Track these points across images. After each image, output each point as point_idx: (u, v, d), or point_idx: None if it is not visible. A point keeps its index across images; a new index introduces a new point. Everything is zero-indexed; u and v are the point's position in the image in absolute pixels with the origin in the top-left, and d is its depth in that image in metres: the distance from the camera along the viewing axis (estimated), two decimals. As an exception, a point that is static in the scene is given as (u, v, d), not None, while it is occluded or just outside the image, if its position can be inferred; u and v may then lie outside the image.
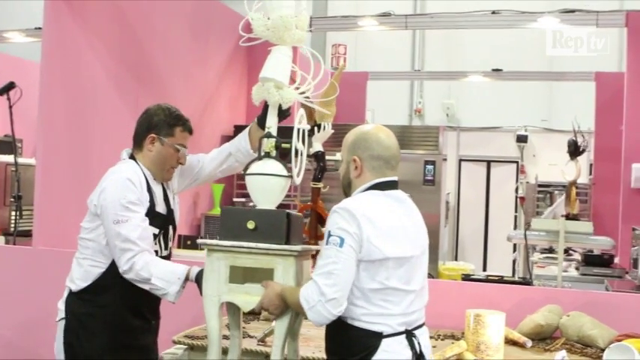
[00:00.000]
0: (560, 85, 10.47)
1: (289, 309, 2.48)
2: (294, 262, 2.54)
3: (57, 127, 4.12)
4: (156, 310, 3.01)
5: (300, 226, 2.76)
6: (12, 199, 6.08)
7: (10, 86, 4.93)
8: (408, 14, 8.05)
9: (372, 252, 2.30)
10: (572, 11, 6.46)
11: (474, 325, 3.00)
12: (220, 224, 2.65)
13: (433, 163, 7.34)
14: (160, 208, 2.97)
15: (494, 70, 9.29)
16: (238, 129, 6.40)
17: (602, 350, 2.99)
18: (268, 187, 2.66)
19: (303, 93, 2.79)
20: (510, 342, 3.20)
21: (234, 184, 6.97)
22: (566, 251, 5.89)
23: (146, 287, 2.76)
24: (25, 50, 7.96)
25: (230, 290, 2.58)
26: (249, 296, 2.57)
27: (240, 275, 2.61)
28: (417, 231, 2.48)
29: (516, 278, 4.66)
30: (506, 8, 6.92)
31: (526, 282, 4.34)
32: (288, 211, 2.63)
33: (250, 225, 2.56)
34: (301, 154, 2.69)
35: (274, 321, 2.62)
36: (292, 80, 2.79)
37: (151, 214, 2.86)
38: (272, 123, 2.75)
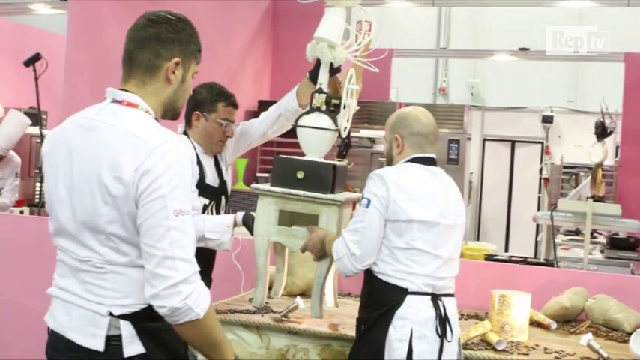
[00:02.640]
0: (588, 66, 10.30)
1: None
2: (337, 211, 2.83)
3: (82, 99, 4.11)
4: (209, 276, 3.18)
5: (345, 176, 3.02)
6: (37, 171, 6.13)
7: (36, 58, 4.92)
8: (435, -9, 7.95)
9: (398, 213, 2.53)
10: (604, -11, 6.34)
11: (499, 305, 2.98)
12: (273, 172, 2.96)
13: (457, 142, 7.30)
14: (211, 180, 3.20)
15: (520, 49, 9.15)
16: (262, 104, 6.40)
17: (629, 334, 2.96)
18: (317, 139, 2.91)
19: (354, 52, 2.98)
20: (535, 323, 3.17)
21: (258, 159, 6.97)
22: (591, 234, 5.83)
23: (201, 244, 2.89)
24: (51, 22, 7.96)
25: (278, 232, 2.89)
26: (295, 238, 2.88)
27: (288, 218, 2.90)
28: (449, 202, 2.65)
29: (540, 260, 4.61)
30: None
31: (550, 263, 4.30)
32: (334, 162, 2.89)
33: (300, 175, 2.83)
34: (350, 111, 2.94)
35: (317, 262, 2.88)
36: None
37: (201, 187, 3.04)
38: (324, 80, 2.96)
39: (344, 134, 2.95)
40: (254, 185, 3.01)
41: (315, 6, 3.15)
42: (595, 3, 6.59)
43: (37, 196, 6.20)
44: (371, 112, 7.57)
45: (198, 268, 1.87)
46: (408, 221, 2.53)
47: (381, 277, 2.57)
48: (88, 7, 4.13)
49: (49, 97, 5.57)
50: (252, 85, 6.33)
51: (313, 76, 3.01)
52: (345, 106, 2.92)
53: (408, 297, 2.52)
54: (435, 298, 2.56)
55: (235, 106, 3.26)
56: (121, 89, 1.99)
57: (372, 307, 2.59)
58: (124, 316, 1.88)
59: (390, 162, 2.77)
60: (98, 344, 1.87)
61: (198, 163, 3.11)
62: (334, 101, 2.92)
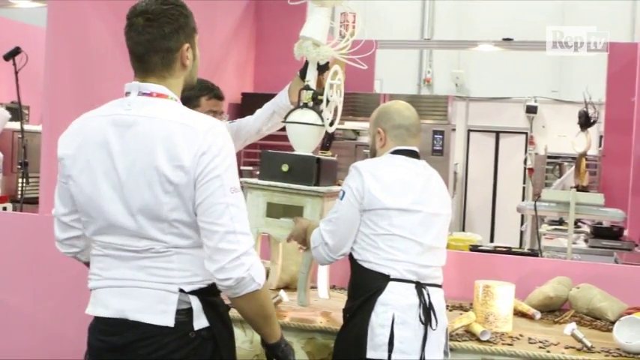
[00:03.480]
0: (571, 56, 10.33)
1: None
2: (321, 202, 2.95)
3: (63, 93, 4.06)
4: None
5: (334, 170, 3.14)
6: (19, 166, 6.07)
7: (16, 52, 4.87)
8: (418, -18, 7.94)
9: (373, 202, 2.58)
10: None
11: (483, 296, 2.98)
12: (260, 166, 3.08)
13: (442, 133, 7.31)
14: None
15: (504, 39, 9.16)
16: (246, 97, 6.37)
17: (612, 323, 2.97)
18: (305, 134, 3.02)
19: (340, 50, 3.06)
20: (519, 314, 3.18)
21: (242, 152, 6.94)
22: (575, 223, 5.86)
23: None
24: (31, 15, 7.88)
25: (267, 223, 3.01)
26: (282, 229, 2.98)
27: (280, 211, 3.00)
28: (431, 192, 2.69)
29: (525, 250, 4.62)
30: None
31: (535, 253, 4.31)
32: (318, 156, 3.02)
33: (285, 168, 2.96)
34: (335, 108, 3.05)
35: (303, 252, 3.00)
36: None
37: None
38: (311, 77, 3.07)
39: (330, 129, 3.04)
40: (242, 179, 3.05)
41: (298, -1, 3.17)
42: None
43: (20, 193, 6.14)
44: (355, 104, 7.56)
45: (254, 242, 1.99)
46: (385, 209, 2.58)
47: (363, 264, 2.61)
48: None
49: (30, 92, 5.51)
50: (236, 78, 6.29)
51: (303, 74, 3.10)
52: (328, 101, 3.00)
53: (390, 283, 2.54)
54: (420, 286, 2.57)
55: (219, 97, 3.32)
56: (143, 82, 2.02)
57: (355, 295, 2.64)
58: (192, 292, 1.96)
59: (374, 155, 2.82)
60: (169, 320, 1.93)
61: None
62: (320, 97, 3.01)
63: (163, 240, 1.94)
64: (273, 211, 3.01)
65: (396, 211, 2.58)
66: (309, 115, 3.01)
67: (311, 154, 3.04)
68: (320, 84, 3.10)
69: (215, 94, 3.30)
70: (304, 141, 3.05)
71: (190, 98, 3.17)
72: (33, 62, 4.89)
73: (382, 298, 2.53)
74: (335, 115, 3.09)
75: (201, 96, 3.25)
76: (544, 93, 10.71)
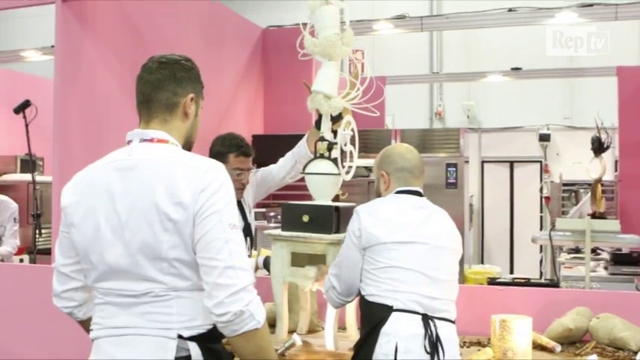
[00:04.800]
0: (581, 82, 10.32)
1: None
2: None
3: (72, 143, 4.09)
4: None
5: (351, 214, 3.10)
6: (32, 216, 6.10)
7: (26, 105, 4.93)
8: (423, 16, 7.99)
9: (370, 239, 2.64)
10: (590, 5, 6.35)
11: (500, 330, 2.92)
12: (282, 217, 3.19)
13: (455, 165, 7.26)
14: None
15: (513, 68, 9.17)
16: (257, 139, 6.39)
17: (635, 353, 2.90)
18: (322, 183, 3.14)
19: (351, 100, 3.17)
20: (539, 347, 3.11)
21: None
22: (594, 250, 5.78)
23: None
24: (43, 68, 8.01)
25: (292, 272, 3.09)
26: (307, 278, 3.06)
27: (305, 258, 3.08)
28: (435, 227, 2.72)
29: (543, 280, 4.56)
30: (523, 5, 6.82)
31: (553, 284, 4.25)
32: (337, 204, 3.10)
33: (305, 218, 3.05)
34: (351, 155, 3.16)
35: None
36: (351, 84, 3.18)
37: None
38: (325, 128, 3.19)
39: (347, 177, 3.15)
40: (267, 231, 3.21)
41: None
42: (584, 19, 6.59)
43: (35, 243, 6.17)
44: (367, 141, 7.55)
45: (254, 279, 1.95)
46: (382, 244, 2.62)
47: (367, 298, 2.64)
48: (74, 50, 4.12)
49: (44, 143, 5.56)
50: (246, 121, 6.32)
51: (318, 125, 3.24)
52: (342, 151, 3.12)
53: (394, 314, 2.54)
54: (427, 318, 2.54)
55: (247, 154, 3.54)
56: (145, 128, 2.07)
57: (363, 327, 2.66)
58: (191, 338, 1.94)
59: (378, 197, 2.89)
60: None
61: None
62: (335, 147, 3.13)
63: (162, 281, 1.93)
64: (298, 259, 3.10)
65: (394, 244, 2.62)
66: (326, 165, 3.13)
67: (329, 203, 3.13)
68: (334, 133, 3.21)
69: (243, 151, 3.51)
70: (322, 190, 3.16)
71: (218, 154, 3.42)
72: (46, 113, 4.95)
73: (385, 329, 2.52)
74: (351, 162, 3.19)
75: (230, 153, 3.48)
76: (556, 120, 10.66)
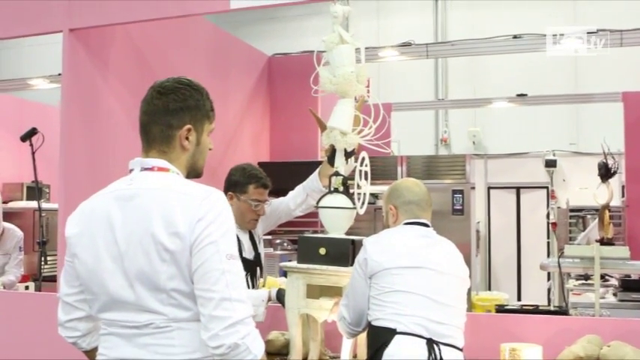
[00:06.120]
0: (587, 107, 10.32)
1: None
2: None
3: (78, 170, 4.10)
4: None
5: None
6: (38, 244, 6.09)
7: (32, 132, 4.95)
8: (428, 43, 8.01)
9: (374, 266, 2.70)
10: (596, 31, 6.37)
11: (510, 359, 2.89)
12: (298, 250, 3.24)
13: (461, 192, 7.24)
14: (247, 253, 3.56)
15: (518, 95, 9.18)
16: (263, 166, 6.37)
17: (647, 381, 2.86)
18: (337, 217, 3.18)
19: (365, 136, 3.22)
20: (549, 376, 3.07)
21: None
22: (602, 277, 5.72)
23: None
24: (50, 96, 8.06)
25: (307, 304, 3.12)
26: (322, 310, 3.09)
27: (318, 290, 3.13)
28: (437, 253, 2.77)
29: (552, 307, 4.52)
30: (528, 32, 6.85)
31: (562, 311, 4.21)
32: (352, 237, 3.14)
33: (322, 251, 3.09)
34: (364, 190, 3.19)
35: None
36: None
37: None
38: (339, 163, 3.24)
39: (361, 211, 3.17)
40: (282, 263, 3.28)
41: (311, 66, 3.27)
42: (588, 45, 6.60)
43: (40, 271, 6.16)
44: (373, 168, 7.53)
45: (252, 311, 1.92)
46: (385, 269, 2.68)
47: (373, 322, 2.68)
48: (80, 78, 4.13)
49: (50, 171, 5.58)
50: (252, 148, 6.33)
51: (331, 161, 3.29)
52: (359, 186, 3.17)
53: (397, 337, 2.56)
54: (432, 342, 2.54)
55: (266, 186, 3.57)
56: (146, 157, 2.06)
57: (370, 350, 2.70)
58: None
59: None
60: None
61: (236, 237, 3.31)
62: (350, 182, 3.19)
63: (163, 312, 1.91)
64: (311, 291, 3.13)
65: (397, 269, 2.67)
66: (341, 200, 3.16)
67: (345, 237, 3.17)
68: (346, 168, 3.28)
69: (263, 183, 3.55)
70: (338, 223, 3.19)
71: (238, 184, 3.49)
72: (52, 141, 4.96)
73: (388, 352, 2.54)
74: (364, 196, 3.22)
75: (250, 183, 3.52)
76: (562, 146, 10.65)
